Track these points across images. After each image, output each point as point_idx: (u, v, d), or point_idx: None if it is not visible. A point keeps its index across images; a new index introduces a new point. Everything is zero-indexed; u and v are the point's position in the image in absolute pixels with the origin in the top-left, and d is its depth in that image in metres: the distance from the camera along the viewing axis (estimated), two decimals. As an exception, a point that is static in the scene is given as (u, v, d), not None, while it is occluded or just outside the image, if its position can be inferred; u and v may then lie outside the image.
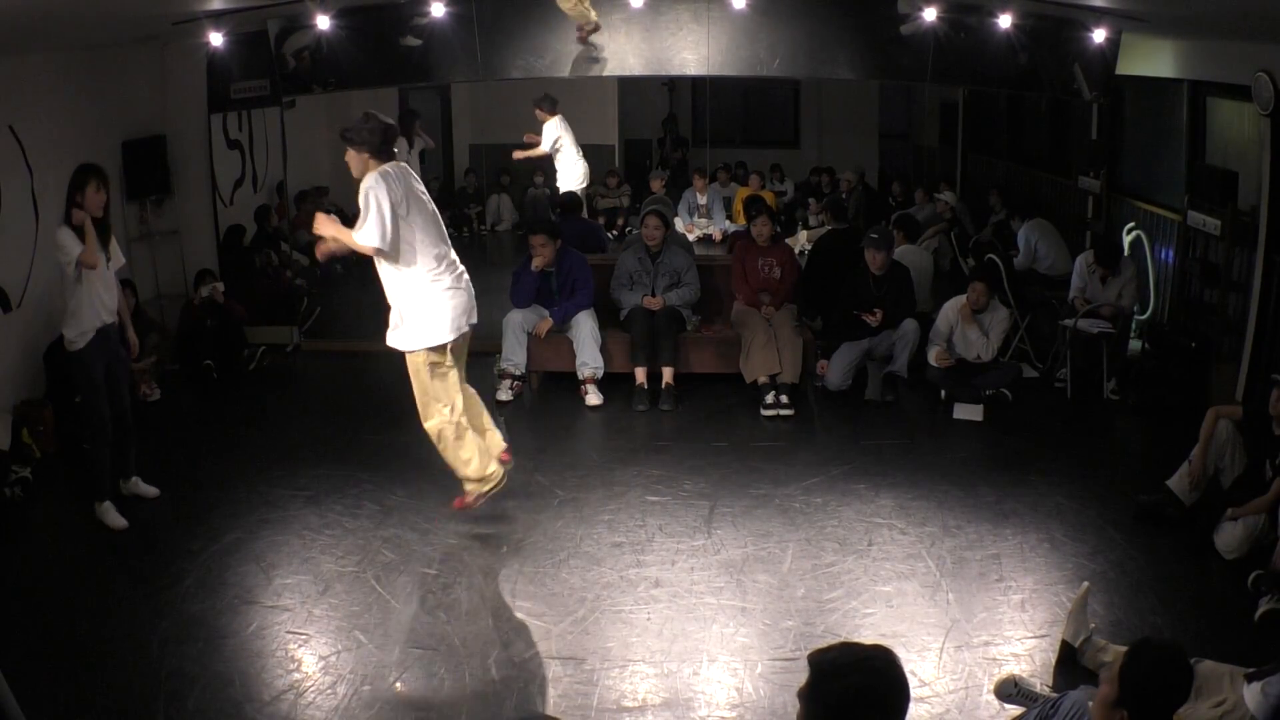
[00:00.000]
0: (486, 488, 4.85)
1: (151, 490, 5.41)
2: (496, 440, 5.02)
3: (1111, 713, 2.76)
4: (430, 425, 4.74)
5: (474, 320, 4.77)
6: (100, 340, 5.02)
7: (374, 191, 4.38)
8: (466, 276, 4.72)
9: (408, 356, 4.65)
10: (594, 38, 7.54)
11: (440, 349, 4.61)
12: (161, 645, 4.05)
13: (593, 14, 7.26)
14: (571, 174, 9.39)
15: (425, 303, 4.56)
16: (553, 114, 9.19)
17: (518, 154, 9.71)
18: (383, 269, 4.58)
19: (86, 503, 5.15)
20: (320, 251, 4.69)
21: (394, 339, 4.66)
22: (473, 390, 4.95)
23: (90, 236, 4.87)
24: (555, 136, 9.24)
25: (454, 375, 4.70)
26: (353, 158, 4.49)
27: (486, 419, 5.03)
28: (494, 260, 11.03)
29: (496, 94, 11.36)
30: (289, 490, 5.44)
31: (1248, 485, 4.80)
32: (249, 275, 8.31)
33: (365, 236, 4.42)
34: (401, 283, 4.56)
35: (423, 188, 4.64)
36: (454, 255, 4.70)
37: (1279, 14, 4.76)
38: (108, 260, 5.04)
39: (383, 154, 4.46)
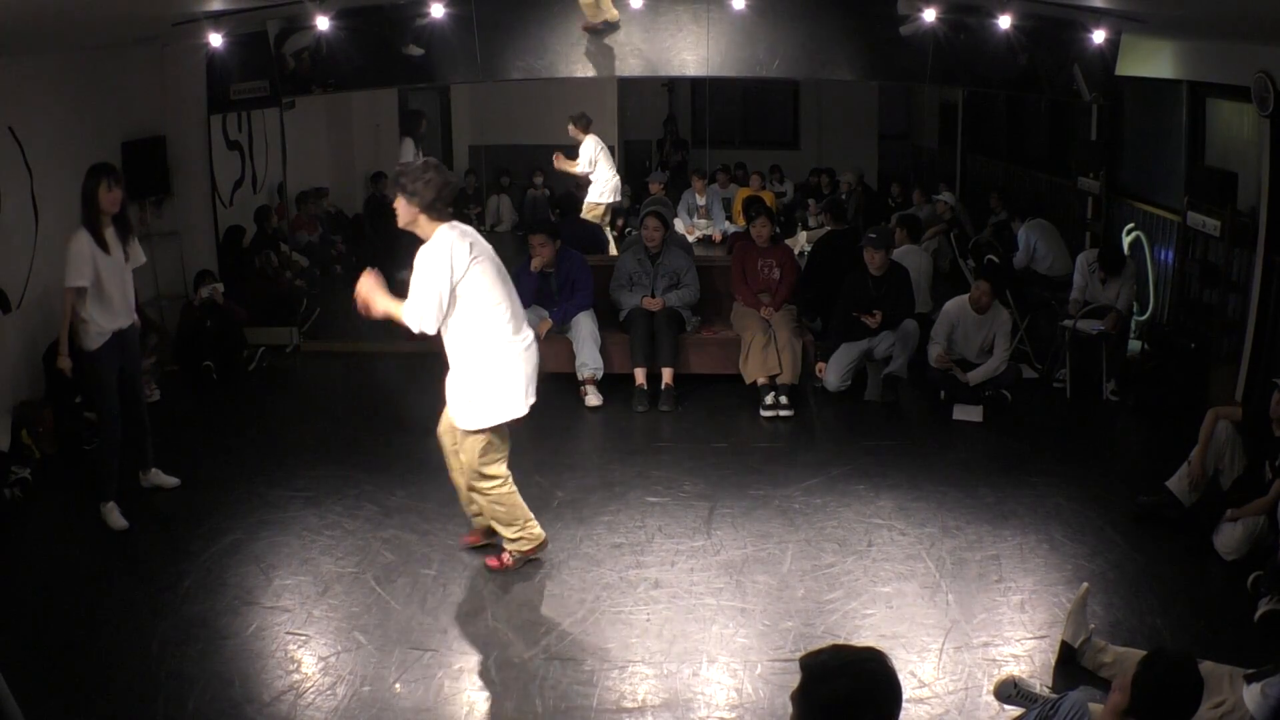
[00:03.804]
0: (528, 546, 4.61)
1: (172, 480, 5.49)
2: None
3: None
4: (478, 490, 4.48)
5: (532, 399, 4.47)
6: (115, 342, 5.01)
7: (429, 265, 4.05)
8: (533, 345, 4.47)
9: (463, 433, 4.37)
10: (599, 34, 7.54)
11: (499, 426, 4.37)
12: (161, 646, 4.05)
13: (612, 13, 7.28)
14: (604, 190, 9.46)
15: (484, 377, 4.26)
16: (587, 132, 9.27)
17: (558, 163, 9.55)
18: (445, 336, 4.27)
19: (87, 503, 5.15)
20: (361, 305, 4.29)
21: (456, 415, 4.36)
22: None
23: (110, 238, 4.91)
24: (590, 156, 9.32)
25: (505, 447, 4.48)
26: (401, 206, 4.13)
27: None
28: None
29: (496, 95, 11.37)
30: (288, 491, 5.44)
31: (1247, 486, 4.80)
32: (249, 276, 8.31)
33: (412, 318, 4.10)
34: (460, 354, 4.27)
35: (485, 244, 4.32)
36: (521, 323, 4.43)
37: (1279, 15, 4.77)
38: (126, 258, 5.04)
39: (434, 210, 4.11)
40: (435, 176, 4.09)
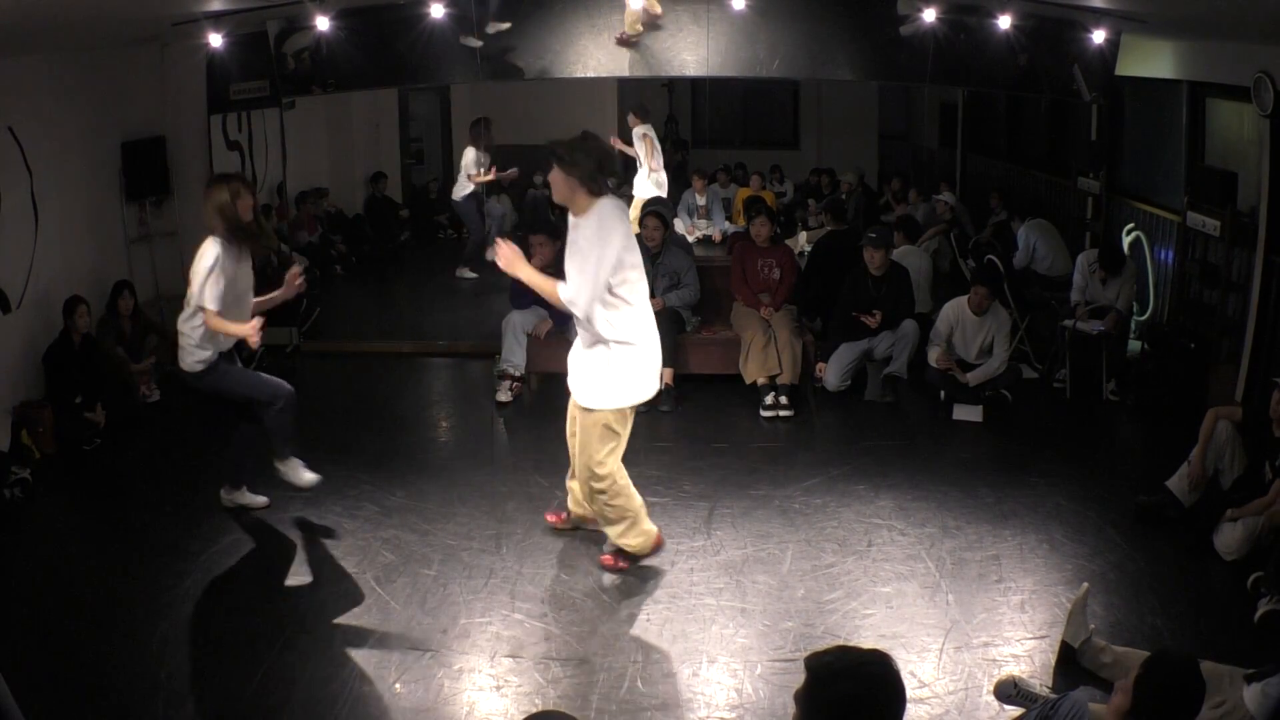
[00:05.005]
0: (636, 540, 4.49)
1: (260, 500, 5.24)
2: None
3: None
4: (590, 484, 4.37)
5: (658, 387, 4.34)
6: (220, 359, 4.80)
7: (595, 242, 3.84)
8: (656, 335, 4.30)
9: (588, 412, 4.20)
10: (633, 47, 7.58)
11: (624, 411, 4.20)
12: (161, 645, 4.05)
13: (640, 26, 7.37)
14: (645, 185, 9.54)
15: (627, 356, 4.08)
16: (644, 121, 9.48)
17: (617, 144, 9.45)
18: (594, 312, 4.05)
19: (87, 503, 5.14)
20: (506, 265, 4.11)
21: (583, 393, 4.20)
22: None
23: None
24: (642, 147, 9.52)
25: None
26: (559, 180, 3.92)
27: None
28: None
29: (496, 95, 11.37)
30: (289, 491, 5.42)
31: (1247, 486, 4.80)
32: (248, 276, 8.31)
33: (571, 294, 3.90)
34: (609, 331, 4.04)
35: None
36: (650, 312, 4.24)
37: (1279, 14, 4.77)
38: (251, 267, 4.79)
39: (595, 184, 3.91)
40: (595, 145, 3.89)
